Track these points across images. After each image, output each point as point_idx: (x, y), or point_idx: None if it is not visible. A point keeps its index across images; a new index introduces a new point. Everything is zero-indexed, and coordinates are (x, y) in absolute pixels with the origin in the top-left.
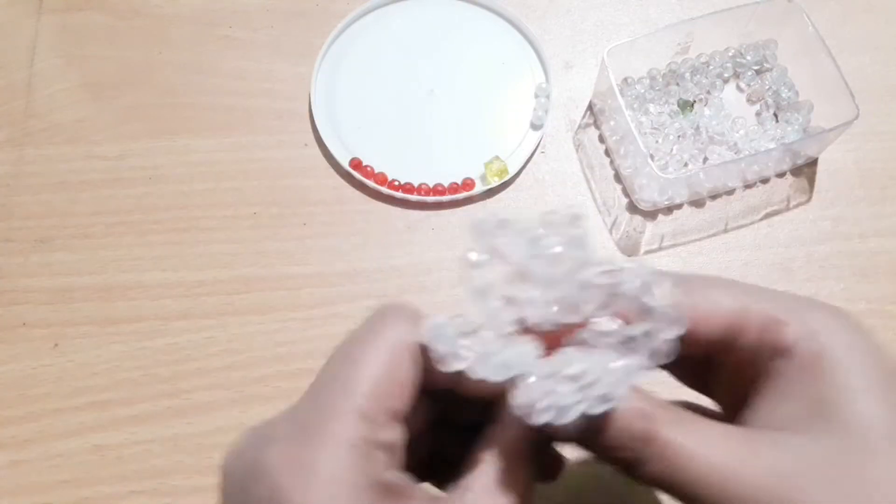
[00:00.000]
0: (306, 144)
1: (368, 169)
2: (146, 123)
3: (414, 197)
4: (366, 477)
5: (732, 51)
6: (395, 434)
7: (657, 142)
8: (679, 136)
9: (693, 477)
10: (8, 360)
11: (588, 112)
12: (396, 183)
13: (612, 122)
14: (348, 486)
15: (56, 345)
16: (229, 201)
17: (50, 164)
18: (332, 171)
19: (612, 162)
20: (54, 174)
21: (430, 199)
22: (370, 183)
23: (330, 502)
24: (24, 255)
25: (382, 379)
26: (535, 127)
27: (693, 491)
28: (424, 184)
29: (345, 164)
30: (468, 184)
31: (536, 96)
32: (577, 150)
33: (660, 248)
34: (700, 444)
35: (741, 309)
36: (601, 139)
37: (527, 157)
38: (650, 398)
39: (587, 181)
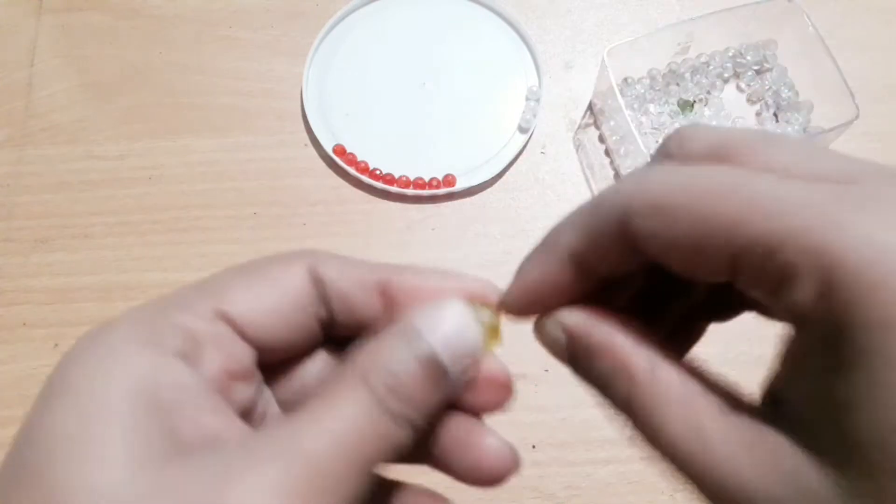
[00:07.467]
0: (306, 144)
1: (351, 156)
2: (146, 123)
3: (394, 189)
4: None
5: (732, 51)
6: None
7: (657, 142)
8: None
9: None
10: (8, 360)
11: (588, 112)
12: (378, 172)
13: (612, 122)
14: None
15: (56, 345)
16: (229, 201)
17: (50, 164)
18: (331, 171)
19: (612, 162)
20: (54, 174)
21: (410, 192)
22: (351, 170)
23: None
24: (24, 255)
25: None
26: (523, 130)
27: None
28: (405, 176)
29: (329, 149)
30: (449, 180)
31: (527, 99)
32: (577, 150)
33: None
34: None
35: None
36: (601, 139)
37: (510, 160)
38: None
39: (587, 181)
